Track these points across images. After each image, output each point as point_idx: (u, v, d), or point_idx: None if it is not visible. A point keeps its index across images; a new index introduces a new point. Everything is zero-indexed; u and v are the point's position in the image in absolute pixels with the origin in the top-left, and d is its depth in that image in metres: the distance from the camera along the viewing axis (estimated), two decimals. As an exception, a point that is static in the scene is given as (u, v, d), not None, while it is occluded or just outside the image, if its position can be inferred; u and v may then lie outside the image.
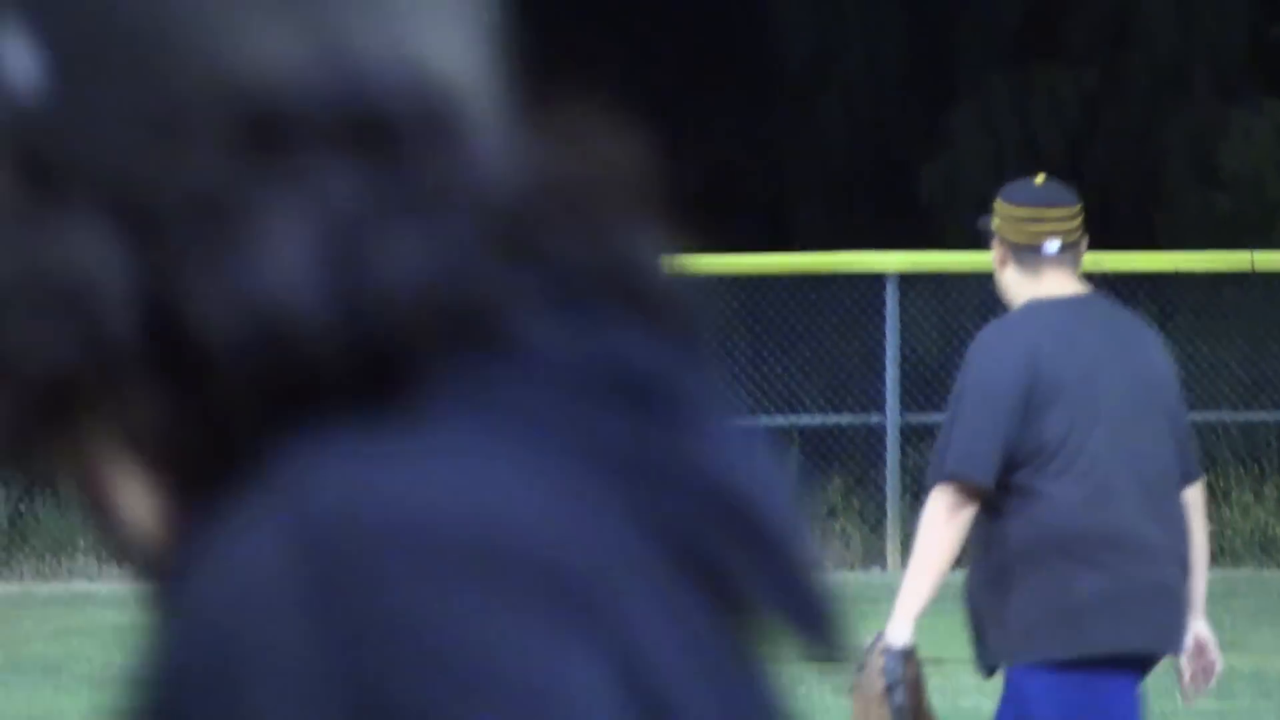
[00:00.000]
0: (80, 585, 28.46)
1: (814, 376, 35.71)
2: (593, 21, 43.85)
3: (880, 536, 31.91)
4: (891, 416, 33.23)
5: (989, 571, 9.47)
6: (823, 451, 34.54)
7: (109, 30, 1.17)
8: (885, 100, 48.13)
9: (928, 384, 31.54)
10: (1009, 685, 9.45)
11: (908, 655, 9.79)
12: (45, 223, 1.14)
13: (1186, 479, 9.36)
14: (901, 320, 33.46)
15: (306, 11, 1.19)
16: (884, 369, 33.24)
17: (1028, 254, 9.47)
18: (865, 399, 34.20)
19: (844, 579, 25.14)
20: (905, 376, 33.31)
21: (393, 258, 1.13)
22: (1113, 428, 9.14)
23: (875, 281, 33.94)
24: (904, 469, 32.29)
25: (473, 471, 1.13)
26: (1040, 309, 9.45)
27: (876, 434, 33.66)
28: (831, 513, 32.58)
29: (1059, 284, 9.41)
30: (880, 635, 9.84)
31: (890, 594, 10.35)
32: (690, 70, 47.90)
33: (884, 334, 33.40)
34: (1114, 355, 9.31)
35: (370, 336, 1.12)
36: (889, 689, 9.83)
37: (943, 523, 9.54)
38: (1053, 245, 9.44)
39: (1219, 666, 9.63)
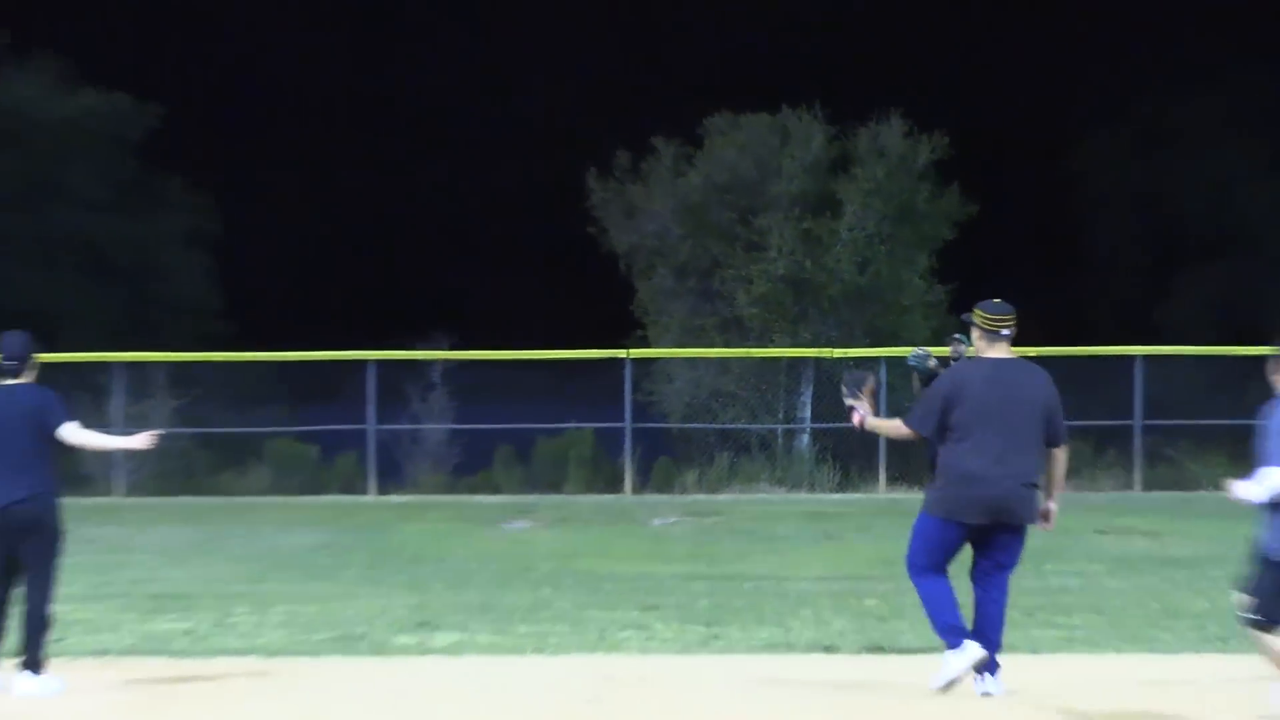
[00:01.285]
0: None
1: None
2: None
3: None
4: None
5: (933, 478, 9.97)
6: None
7: None
8: None
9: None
10: (919, 519, 10.01)
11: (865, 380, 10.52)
12: None
13: (1051, 444, 9.78)
14: None
15: None
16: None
17: (989, 335, 9.86)
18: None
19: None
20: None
21: None
22: (994, 422, 9.64)
23: None
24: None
25: None
26: (980, 361, 9.97)
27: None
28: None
29: (999, 352, 9.82)
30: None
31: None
32: None
33: None
34: (1007, 387, 9.76)
35: None
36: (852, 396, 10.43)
37: (899, 426, 10.07)
38: (1002, 332, 9.84)
39: (1053, 521, 9.86)
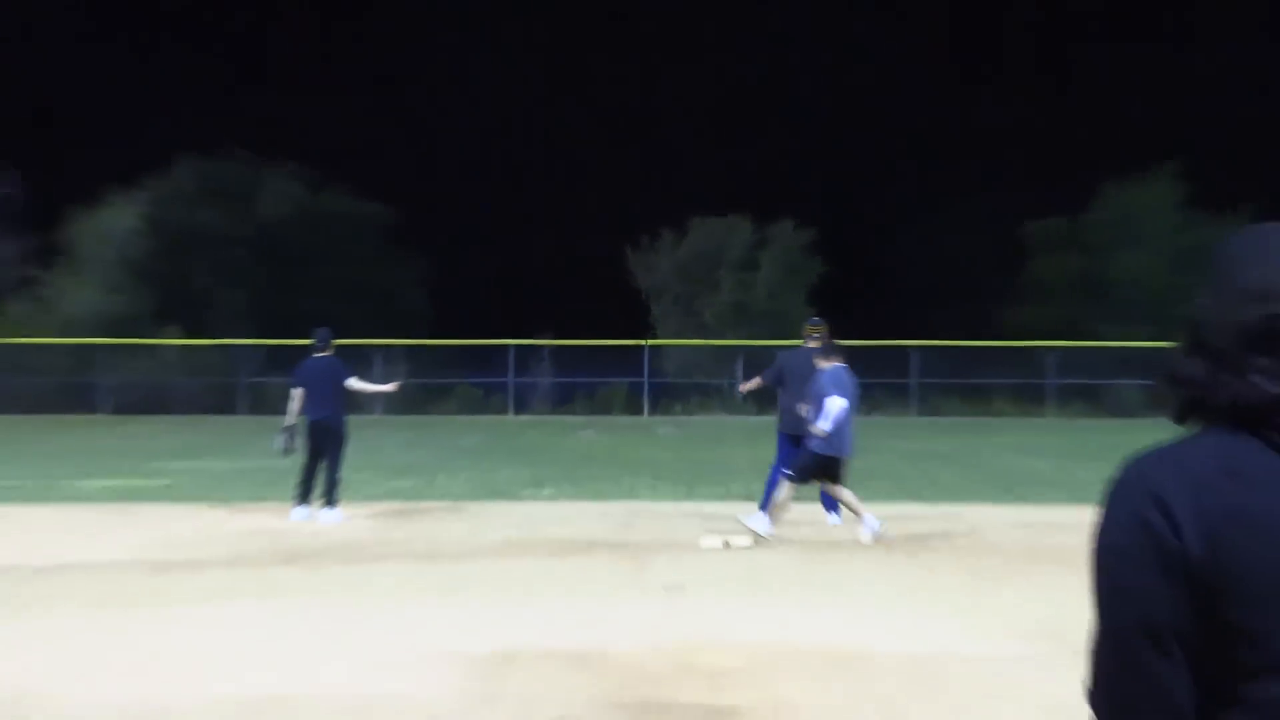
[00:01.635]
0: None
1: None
2: None
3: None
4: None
5: (782, 414, 9.52)
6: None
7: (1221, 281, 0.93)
8: None
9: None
10: (779, 439, 9.57)
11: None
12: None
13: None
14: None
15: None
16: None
17: (807, 337, 9.44)
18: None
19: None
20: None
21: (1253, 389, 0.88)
22: (796, 381, 9.25)
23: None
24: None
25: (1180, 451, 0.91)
26: (799, 350, 9.50)
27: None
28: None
29: (812, 345, 9.33)
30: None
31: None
32: None
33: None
34: (804, 365, 9.24)
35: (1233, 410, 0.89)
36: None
37: (756, 382, 9.96)
38: (814, 337, 9.37)
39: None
